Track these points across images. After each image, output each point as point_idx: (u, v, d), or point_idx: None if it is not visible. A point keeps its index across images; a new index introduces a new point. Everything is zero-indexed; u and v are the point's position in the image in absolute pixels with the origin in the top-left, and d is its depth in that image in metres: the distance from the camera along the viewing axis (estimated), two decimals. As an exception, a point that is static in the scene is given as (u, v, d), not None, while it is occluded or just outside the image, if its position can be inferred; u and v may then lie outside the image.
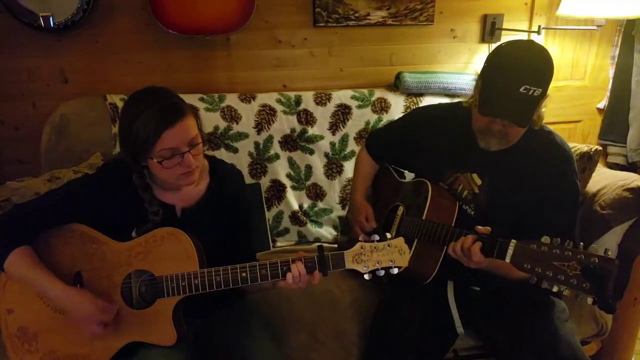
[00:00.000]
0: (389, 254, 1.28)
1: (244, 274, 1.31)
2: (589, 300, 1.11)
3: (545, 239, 1.20)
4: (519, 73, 1.33)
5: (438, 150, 1.64)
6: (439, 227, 1.48)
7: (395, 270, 1.29)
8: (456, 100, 1.99)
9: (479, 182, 1.57)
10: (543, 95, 1.36)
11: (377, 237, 1.29)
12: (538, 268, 1.18)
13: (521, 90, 1.32)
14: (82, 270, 1.37)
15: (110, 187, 1.38)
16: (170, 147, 1.27)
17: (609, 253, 1.10)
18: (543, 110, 1.49)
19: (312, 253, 1.33)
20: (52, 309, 1.37)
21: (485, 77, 1.43)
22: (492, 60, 1.43)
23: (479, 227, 1.36)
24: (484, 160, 1.55)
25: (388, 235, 1.30)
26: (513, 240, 1.25)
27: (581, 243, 1.16)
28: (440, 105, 1.84)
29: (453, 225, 1.54)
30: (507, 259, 1.25)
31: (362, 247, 1.29)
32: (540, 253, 1.19)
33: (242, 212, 1.52)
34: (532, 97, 1.33)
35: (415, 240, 1.54)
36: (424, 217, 1.55)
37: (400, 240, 1.29)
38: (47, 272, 1.31)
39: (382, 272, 1.29)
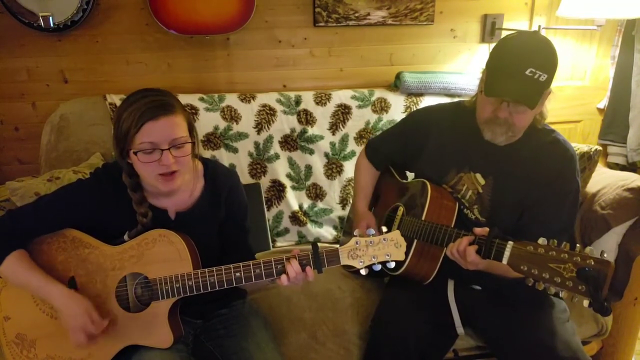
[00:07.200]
0: (385, 248, 1.26)
1: (237, 274, 1.31)
2: (585, 302, 1.10)
3: (543, 241, 1.19)
4: (525, 56, 1.35)
5: (441, 151, 1.64)
6: (438, 228, 1.48)
7: (392, 264, 1.27)
8: (456, 100, 1.98)
9: (482, 182, 1.56)
10: (548, 83, 1.36)
11: (372, 232, 1.28)
12: (535, 270, 1.18)
13: (527, 72, 1.33)
14: (76, 276, 1.37)
15: (102, 191, 1.37)
16: (149, 140, 1.25)
17: (605, 255, 1.10)
18: (546, 108, 1.49)
19: (307, 250, 1.31)
20: (49, 315, 1.37)
21: (491, 63, 1.44)
22: (498, 48, 1.44)
23: (477, 228, 1.36)
24: (487, 160, 1.55)
25: (384, 229, 1.28)
26: (510, 242, 1.25)
27: (577, 245, 1.15)
28: (441, 104, 1.82)
29: (453, 225, 1.54)
30: (504, 261, 1.25)
31: (357, 242, 1.27)
32: (537, 255, 1.18)
33: (238, 210, 1.51)
34: (538, 81, 1.34)
35: (415, 241, 1.54)
36: (423, 218, 1.55)
37: (397, 234, 1.27)
38: (43, 273, 1.31)
39: (379, 267, 1.28)
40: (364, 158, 1.87)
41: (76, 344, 1.29)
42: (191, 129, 1.35)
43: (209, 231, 1.46)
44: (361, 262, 1.27)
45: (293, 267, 1.28)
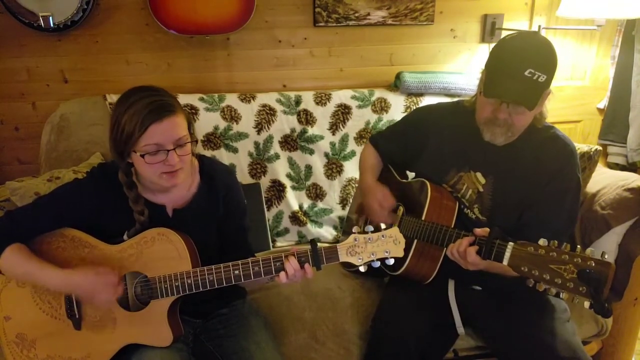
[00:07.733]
0: (384, 245, 1.26)
1: (236, 272, 1.31)
2: (586, 304, 1.10)
3: (543, 242, 1.19)
4: (524, 57, 1.35)
5: (441, 150, 1.64)
6: (438, 228, 1.48)
7: (391, 261, 1.27)
8: (456, 99, 1.98)
9: (482, 181, 1.56)
10: (547, 83, 1.36)
11: (371, 228, 1.27)
12: (535, 271, 1.18)
13: (526, 73, 1.33)
14: None
15: (98, 190, 1.37)
16: (155, 142, 1.25)
17: (606, 256, 1.10)
18: (546, 108, 1.49)
19: (306, 248, 1.31)
20: (49, 315, 1.37)
21: (491, 64, 1.44)
22: (497, 49, 1.44)
23: (477, 229, 1.36)
24: (487, 159, 1.55)
25: (383, 225, 1.28)
26: (510, 243, 1.25)
27: (578, 246, 1.15)
28: (441, 104, 1.82)
29: (453, 225, 1.54)
30: (505, 262, 1.25)
31: (355, 239, 1.26)
32: (538, 256, 1.18)
33: (237, 209, 1.51)
34: (537, 82, 1.34)
35: (415, 241, 1.54)
36: (423, 218, 1.55)
37: (395, 230, 1.26)
38: (41, 262, 1.32)
39: (378, 264, 1.27)
40: (369, 146, 1.86)
41: (110, 300, 1.30)
42: (190, 126, 1.35)
43: (207, 228, 1.46)
44: (360, 259, 1.26)
45: (291, 265, 1.28)
